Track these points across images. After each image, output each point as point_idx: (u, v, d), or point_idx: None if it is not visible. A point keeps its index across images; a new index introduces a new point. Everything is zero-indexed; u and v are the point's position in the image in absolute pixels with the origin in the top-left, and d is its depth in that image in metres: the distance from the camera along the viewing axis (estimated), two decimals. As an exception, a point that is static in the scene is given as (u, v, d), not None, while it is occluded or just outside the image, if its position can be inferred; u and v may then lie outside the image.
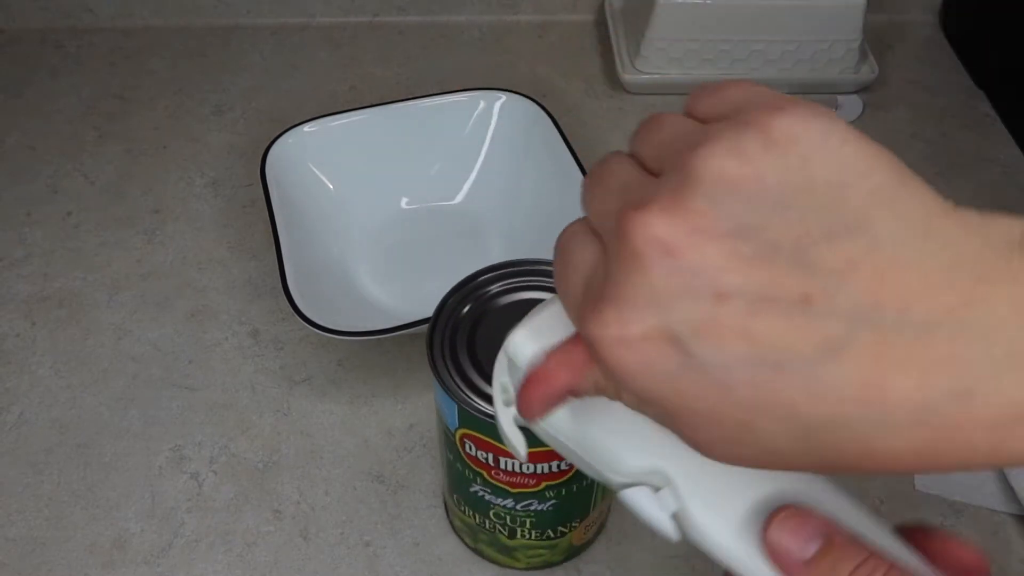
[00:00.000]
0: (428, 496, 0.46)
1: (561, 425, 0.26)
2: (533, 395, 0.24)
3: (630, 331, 0.19)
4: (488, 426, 0.34)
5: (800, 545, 0.22)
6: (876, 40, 0.72)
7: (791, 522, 0.23)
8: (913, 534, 0.23)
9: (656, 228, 0.19)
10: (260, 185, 0.53)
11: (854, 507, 0.24)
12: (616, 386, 0.22)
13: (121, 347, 0.53)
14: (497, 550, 0.42)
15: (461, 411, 0.34)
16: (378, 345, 0.52)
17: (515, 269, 0.38)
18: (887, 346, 0.18)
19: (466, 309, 0.37)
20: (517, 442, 0.27)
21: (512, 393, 0.27)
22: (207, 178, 0.63)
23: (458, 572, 0.43)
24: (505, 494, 0.38)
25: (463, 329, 0.36)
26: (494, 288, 0.37)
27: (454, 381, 0.34)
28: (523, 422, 0.27)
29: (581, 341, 0.23)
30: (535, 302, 0.29)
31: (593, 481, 0.38)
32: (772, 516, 0.23)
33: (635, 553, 0.44)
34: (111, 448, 0.48)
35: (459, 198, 0.59)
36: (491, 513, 0.39)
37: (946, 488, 0.46)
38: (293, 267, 0.48)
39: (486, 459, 0.36)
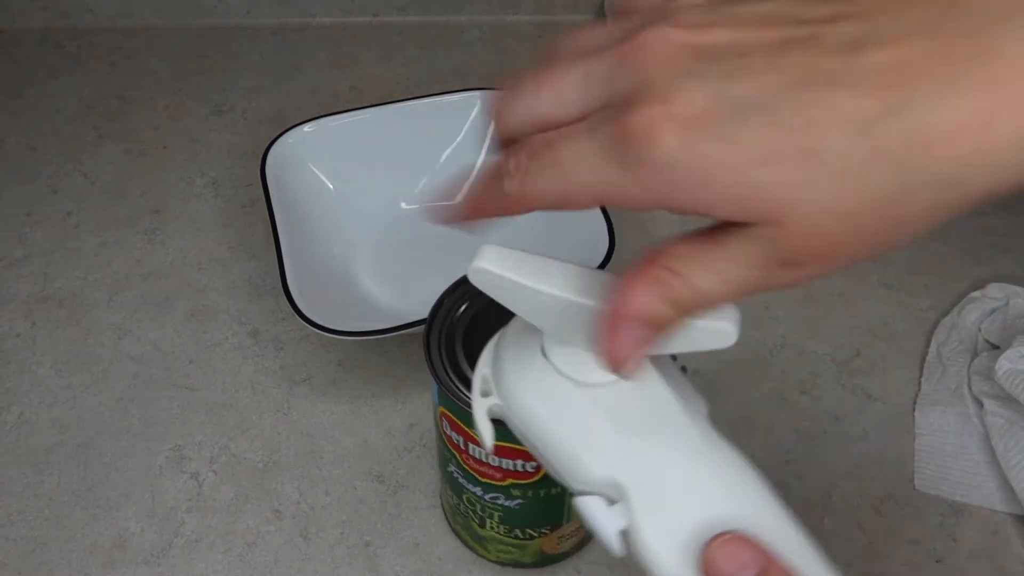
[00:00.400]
0: (428, 496, 0.46)
1: (533, 422, 0.26)
2: (619, 338, 0.22)
3: (679, 109, 0.19)
4: (459, 409, 0.34)
5: (734, 571, 0.22)
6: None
7: (728, 547, 0.23)
8: None
9: (672, 34, 0.20)
10: (260, 185, 0.53)
11: (806, 544, 0.24)
12: (699, 273, 0.21)
13: (121, 347, 0.53)
14: (470, 536, 0.43)
15: (439, 388, 0.35)
16: (378, 345, 0.52)
17: None
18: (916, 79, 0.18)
19: (464, 306, 0.37)
20: (486, 433, 0.28)
21: (491, 385, 0.28)
22: (207, 178, 0.63)
23: (458, 572, 0.43)
24: (474, 481, 0.38)
25: (463, 320, 0.36)
26: None
27: (440, 358, 0.35)
28: (497, 414, 0.28)
29: (636, 264, 0.22)
30: None
31: (564, 493, 0.38)
32: (712, 540, 0.23)
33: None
34: (111, 448, 0.48)
35: (459, 198, 0.59)
36: (464, 497, 0.40)
37: (946, 488, 0.46)
38: (293, 267, 0.48)
39: (458, 442, 0.37)
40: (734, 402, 0.50)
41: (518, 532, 0.41)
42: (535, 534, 0.41)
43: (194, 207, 0.61)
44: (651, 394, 0.26)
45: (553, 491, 0.38)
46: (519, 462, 0.36)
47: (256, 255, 0.58)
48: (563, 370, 0.26)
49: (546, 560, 0.43)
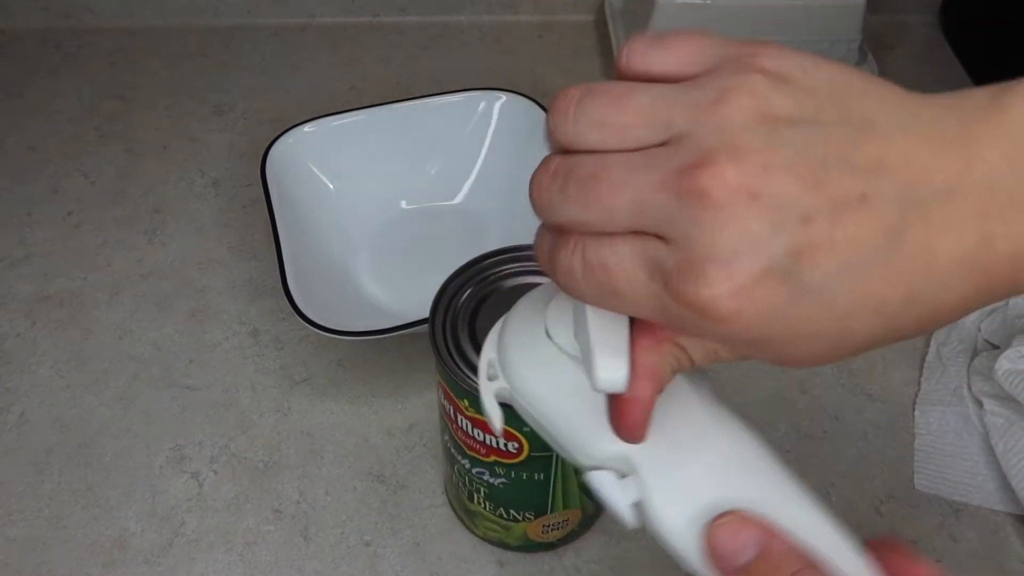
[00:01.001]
0: (428, 496, 0.46)
1: (539, 403, 0.27)
2: (634, 416, 0.24)
3: (741, 279, 0.20)
4: (450, 380, 0.35)
5: (735, 550, 0.23)
6: (876, 40, 0.73)
7: (730, 527, 0.23)
8: (881, 548, 0.24)
9: (731, 174, 0.20)
10: (260, 185, 0.53)
11: (817, 517, 0.24)
12: (698, 349, 0.24)
13: (122, 347, 0.53)
14: (462, 508, 0.43)
15: (435, 355, 0.36)
16: (378, 345, 0.52)
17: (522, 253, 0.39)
18: (929, 217, 0.20)
19: (468, 292, 0.38)
20: (495, 416, 0.28)
21: (497, 369, 0.28)
22: (207, 178, 0.63)
23: (458, 572, 0.43)
24: (463, 453, 0.38)
25: (468, 305, 0.37)
26: (505, 268, 0.39)
27: (441, 327, 0.36)
28: (504, 398, 0.28)
29: (643, 335, 0.24)
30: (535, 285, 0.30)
31: (549, 481, 0.38)
32: (715, 519, 0.24)
33: (634, 552, 0.44)
34: (112, 448, 0.48)
35: (459, 198, 0.59)
36: (455, 468, 0.40)
37: (946, 488, 0.46)
38: (293, 267, 0.48)
39: (449, 411, 0.37)
40: (734, 402, 0.49)
41: (502, 511, 0.41)
42: (519, 517, 0.41)
43: (194, 207, 0.61)
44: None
45: (537, 476, 0.38)
46: (502, 441, 0.36)
47: (256, 255, 0.58)
48: (568, 349, 0.26)
49: (532, 546, 0.43)
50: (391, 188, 0.59)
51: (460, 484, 0.41)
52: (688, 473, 0.25)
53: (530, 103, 0.58)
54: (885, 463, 0.47)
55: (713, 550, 0.23)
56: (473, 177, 0.59)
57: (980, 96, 0.22)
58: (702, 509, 0.24)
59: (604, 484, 0.25)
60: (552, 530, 0.42)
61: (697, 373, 0.27)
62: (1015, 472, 0.45)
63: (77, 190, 0.62)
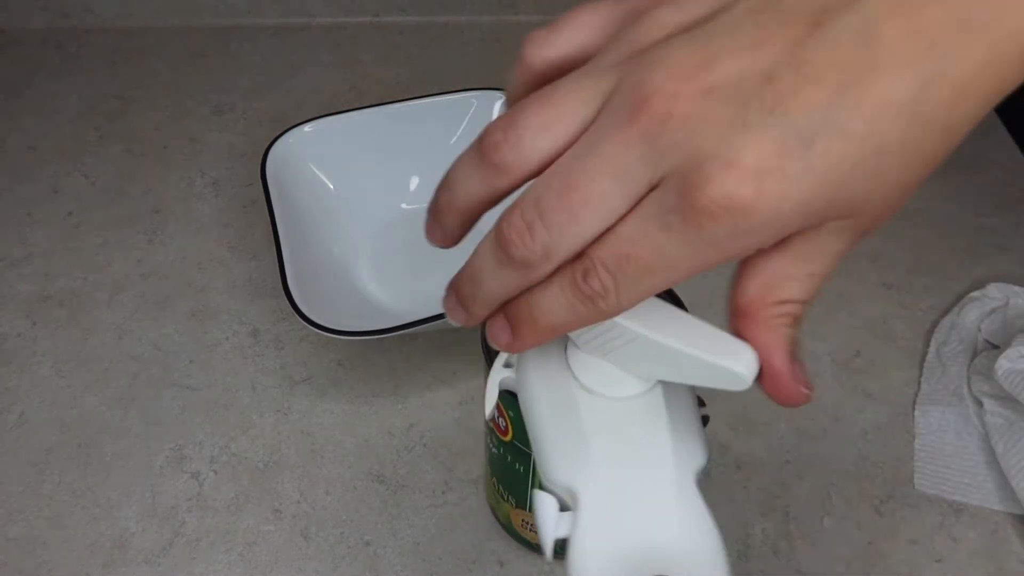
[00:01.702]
0: (428, 496, 0.46)
1: (532, 407, 0.27)
2: (786, 386, 0.23)
3: (744, 159, 0.19)
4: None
5: None
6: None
7: None
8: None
9: (673, 87, 0.19)
10: (260, 185, 0.53)
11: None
12: (790, 273, 0.22)
13: (122, 347, 0.53)
14: (486, 456, 0.43)
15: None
16: (378, 345, 0.52)
17: None
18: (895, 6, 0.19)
19: None
20: (490, 398, 0.28)
21: (514, 359, 0.28)
22: (207, 178, 0.63)
23: (458, 572, 0.43)
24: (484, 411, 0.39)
25: None
26: None
27: None
28: (509, 386, 0.28)
29: (738, 318, 0.23)
30: None
31: (528, 476, 0.38)
32: None
33: (635, 553, 0.44)
34: (112, 448, 0.48)
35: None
36: (484, 418, 0.40)
37: (945, 488, 0.46)
38: (293, 267, 0.48)
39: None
40: (734, 402, 0.50)
41: (495, 481, 0.41)
42: (505, 497, 0.41)
43: (194, 207, 0.61)
44: (648, 425, 0.26)
45: (518, 466, 0.38)
46: (496, 412, 0.36)
47: (256, 255, 0.58)
48: (575, 371, 0.26)
49: (514, 535, 0.43)
50: (391, 188, 0.59)
51: (485, 437, 0.41)
52: (623, 532, 0.24)
53: (530, 103, 0.57)
54: (885, 463, 0.47)
55: None
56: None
57: None
58: (624, 568, 0.23)
59: (544, 507, 0.25)
60: (530, 530, 0.42)
61: (695, 449, 0.26)
62: (1015, 472, 0.45)
63: (77, 190, 0.62)
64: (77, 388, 0.51)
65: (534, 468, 0.37)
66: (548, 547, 0.25)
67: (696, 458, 0.26)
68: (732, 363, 0.22)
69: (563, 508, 0.25)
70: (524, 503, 0.40)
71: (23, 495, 0.46)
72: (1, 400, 0.50)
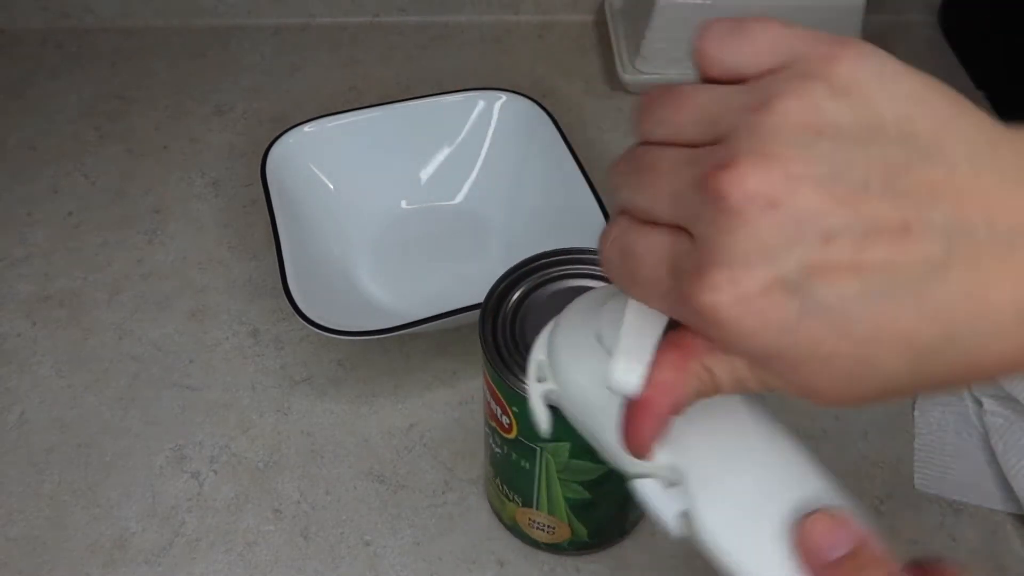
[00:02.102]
0: (428, 496, 0.46)
1: (587, 408, 0.27)
2: (643, 427, 0.24)
3: (746, 287, 0.19)
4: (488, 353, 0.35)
5: (830, 545, 0.23)
6: (876, 40, 0.72)
7: (827, 522, 0.23)
8: (926, 571, 0.24)
9: (752, 181, 0.19)
10: (260, 185, 0.53)
11: (872, 527, 0.24)
12: (725, 372, 0.23)
13: (122, 347, 0.53)
14: (487, 456, 0.43)
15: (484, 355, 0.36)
16: (378, 345, 0.52)
17: (572, 256, 0.39)
18: (983, 258, 0.19)
19: (519, 292, 0.38)
20: (542, 417, 0.28)
21: (546, 371, 0.28)
22: (208, 178, 0.63)
23: (458, 572, 0.43)
24: (485, 407, 0.39)
25: (520, 309, 0.37)
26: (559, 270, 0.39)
27: (495, 318, 0.36)
28: (552, 400, 0.28)
29: (671, 348, 0.23)
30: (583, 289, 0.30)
31: (534, 474, 0.38)
32: (810, 513, 0.23)
33: (634, 553, 0.44)
34: (112, 448, 0.48)
35: (459, 198, 0.59)
36: (484, 415, 0.40)
37: (945, 488, 0.46)
38: (293, 267, 0.48)
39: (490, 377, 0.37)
40: (734, 402, 0.50)
41: (499, 482, 0.41)
42: (510, 496, 0.41)
43: (194, 207, 0.61)
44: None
45: (524, 464, 0.38)
46: (499, 411, 0.36)
47: (256, 255, 0.58)
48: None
49: (521, 535, 0.43)
50: (391, 188, 0.59)
51: (486, 432, 0.41)
52: (737, 483, 0.25)
53: (530, 103, 0.58)
54: (885, 463, 0.47)
55: (806, 542, 0.23)
56: (473, 177, 0.59)
57: None
58: (757, 516, 0.24)
59: (650, 493, 0.25)
60: (537, 528, 0.42)
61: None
62: (1015, 472, 0.45)
63: (77, 190, 0.62)
64: (77, 388, 0.51)
65: (542, 464, 0.37)
66: (675, 525, 0.25)
67: (755, 397, 0.27)
68: (619, 361, 0.23)
69: (667, 486, 0.25)
70: (531, 501, 0.40)
71: (23, 495, 0.46)
72: (1, 400, 0.50)
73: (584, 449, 0.35)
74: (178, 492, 0.46)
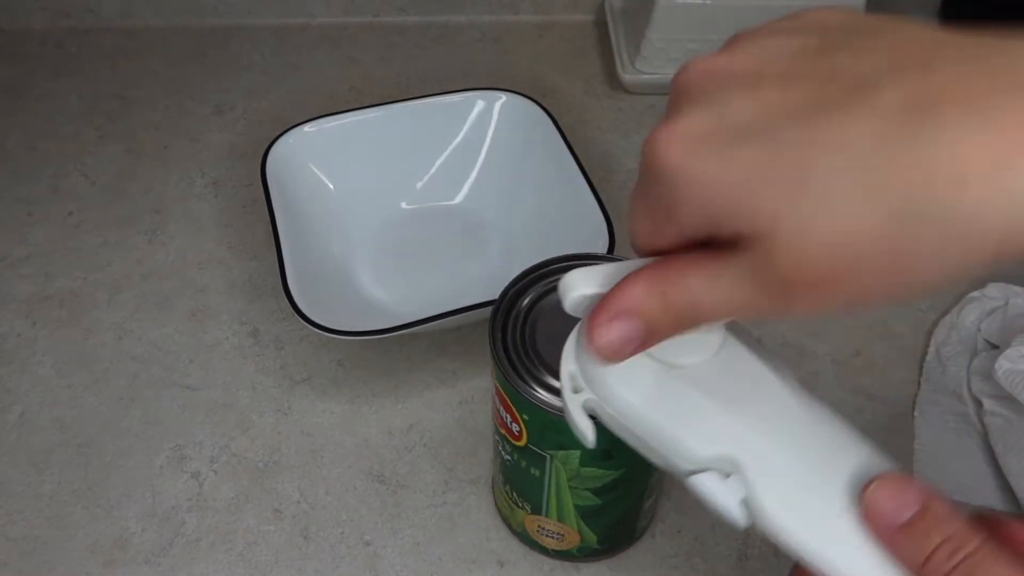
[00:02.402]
0: (428, 496, 0.46)
1: (631, 413, 0.27)
2: (612, 329, 0.24)
3: (686, 130, 0.21)
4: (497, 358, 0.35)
5: (898, 508, 0.23)
6: (876, 40, 0.72)
7: (892, 485, 0.23)
8: (991, 524, 0.24)
9: (694, 67, 0.23)
10: (260, 185, 0.53)
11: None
12: (704, 290, 0.22)
13: (122, 347, 0.53)
14: (496, 463, 0.42)
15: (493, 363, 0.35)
16: (378, 345, 0.52)
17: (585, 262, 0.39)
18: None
19: (528, 299, 0.37)
20: (584, 427, 0.28)
21: (580, 380, 0.28)
22: (208, 178, 0.63)
23: (458, 572, 0.43)
24: (495, 415, 0.38)
25: (530, 315, 0.37)
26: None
27: (499, 311, 0.36)
28: (590, 409, 0.28)
29: (644, 271, 0.24)
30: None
31: (543, 482, 0.38)
32: (873, 479, 0.23)
33: (635, 554, 0.44)
34: (112, 448, 0.48)
35: (459, 198, 0.59)
36: (493, 422, 0.40)
37: (945, 488, 0.46)
38: (293, 267, 0.48)
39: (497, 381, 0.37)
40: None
41: (508, 488, 0.41)
42: (519, 504, 0.41)
43: (194, 207, 0.61)
44: (742, 366, 0.27)
45: (533, 471, 0.38)
46: (508, 418, 0.36)
47: (256, 255, 0.58)
48: (653, 354, 0.26)
49: (532, 544, 0.43)
50: (391, 188, 0.59)
51: (494, 440, 0.41)
52: (791, 462, 0.25)
53: (530, 103, 0.58)
54: (885, 463, 0.47)
55: (873, 508, 0.23)
56: (473, 177, 0.59)
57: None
58: (817, 494, 0.24)
59: (709, 486, 0.25)
60: (547, 536, 0.42)
61: (783, 366, 0.27)
62: (1015, 472, 0.45)
63: (77, 190, 0.62)
64: (77, 388, 0.51)
65: (552, 472, 0.37)
66: (739, 514, 0.25)
67: (789, 371, 0.27)
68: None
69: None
70: (540, 509, 0.40)
71: (23, 495, 0.46)
72: (1, 400, 0.50)
73: (595, 456, 0.35)
74: (178, 492, 0.46)
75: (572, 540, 0.42)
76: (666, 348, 0.26)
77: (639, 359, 0.26)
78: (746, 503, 0.25)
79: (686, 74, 0.22)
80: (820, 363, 0.52)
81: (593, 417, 0.28)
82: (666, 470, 0.27)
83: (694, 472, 0.26)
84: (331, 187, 0.57)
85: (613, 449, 0.34)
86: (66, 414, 0.50)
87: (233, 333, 0.53)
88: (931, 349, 0.52)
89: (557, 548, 0.43)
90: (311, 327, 0.45)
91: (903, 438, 0.48)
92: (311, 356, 0.52)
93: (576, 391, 0.28)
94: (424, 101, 0.58)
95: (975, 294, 0.54)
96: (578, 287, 0.26)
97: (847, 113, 0.19)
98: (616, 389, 0.27)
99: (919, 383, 0.51)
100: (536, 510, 0.40)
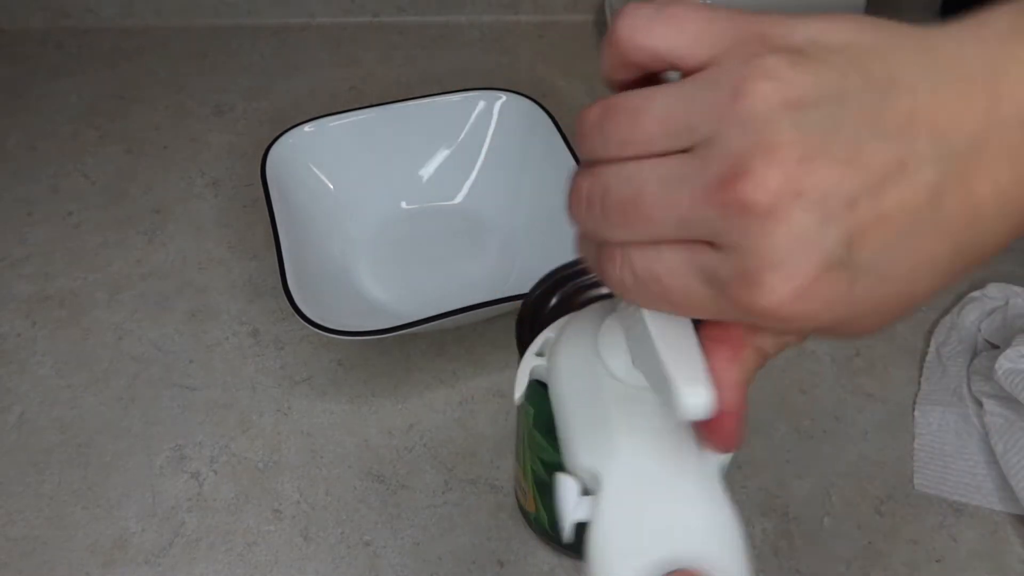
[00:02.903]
0: (428, 496, 0.46)
1: (561, 395, 0.27)
2: (728, 429, 0.24)
3: (801, 279, 0.20)
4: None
5: None
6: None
7: None
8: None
9: (772, 179, 0.19)
10: (260, 185, 0.53)
11: None
12: (770, 343, 0.24)
13: (122, 347, 0.53)
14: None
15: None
16: (378, 345, 0.52)
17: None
18: (967, 167, 0.20)
19: (555, 299, 0.38)
20: (519, 385, 0.29)
21: (547, 348, 0.29)
22: (207, 178, 0.63)
23: (458, 572, 0.43)
24: None
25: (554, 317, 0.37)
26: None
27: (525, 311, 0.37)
28: (539, 375, 0.29)
29: (718, 346, 0.24)
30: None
31: (519, 429, 0.38)
32: (672, 573, 0.23)
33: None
34: (112, 448, 0.48)
35: (459, 198, 0.59)
36: None
37: (945, 488, 0.46)
38: (293, 267, 0.48)
39: None
40: (734, 402, 0.50)
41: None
42: (515, 450, 0.42)
43: (194, 207, 0.61)
44: (674, 419, 0.26)
45: (520, 415, 0.38)
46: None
47: (256, 255, 0.58)
48: (604, 357, 0.27)
49: (528, 517, 0.44)
50: (391, 188, 0.59)
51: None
52: (646, 518, 0.24)
53: (530, 103, 0.58)
54: (885, 463, 0.47)
55: None
56: (473, 177, 0.59)
57: (998, 23, 0.21)
58: (646, 556, 0.23)
59: (565, 490, 0.25)
60: (520, 491, 0.43)
61: None
62: (1015, 472, 0.45)
63: (77, 190, 0.62)
64: (77, 388, 0.51)
65: (521, 421, 0.38)
66: (568, 529, 0.25)
67: (721, 456, 0.26)
68: (682, 387, 0.22)
69: (585, 493, 0.25)
70: (517, 455, 0.41)
71: (23, 495, 0.46)
72: (1, 400, 0.50)
73: (540, 421, 0.35)
74: (178, 492, 0.46)
75: (530, 505, 0.42)
76: (612, 353, 0.26)
77: (589, 354, 0.27)
78: (582, 526, 0.25)
79: (796, 209, 0.20)
80: (820, 363, 0.52)
81: (536, 382, 0.29)
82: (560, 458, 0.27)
83: (567, 472, 0.26)
84: (331, 187, 0.57)
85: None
86: (66, 414, 0.50)
87: (233, 333, 0.53)
88: (931, 349, 0.52)
89: (525, 508, 0.43)
90: (311, 327, 0.45)
91: (903, 438, 0.48)
92: (311, 356, 0.52)
93: (539, 355, 0.29)
94: (424, 101, 0.58)
95: (975, 294, 0.54)
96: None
97: (931, 223, 0.21)
98: (558, 368, 0.28)
99: (919, 383, 0.51)
100: (516, 457, 0.41)
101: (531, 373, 0.29)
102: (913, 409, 0.50)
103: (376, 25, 0.77)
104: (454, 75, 0.71)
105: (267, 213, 0.51)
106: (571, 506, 0.25)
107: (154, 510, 0.45)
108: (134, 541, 0.44)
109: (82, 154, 0.65)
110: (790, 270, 0.20)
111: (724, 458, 0.26)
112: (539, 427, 0.36)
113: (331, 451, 0.48)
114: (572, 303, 0.37)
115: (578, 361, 0.27)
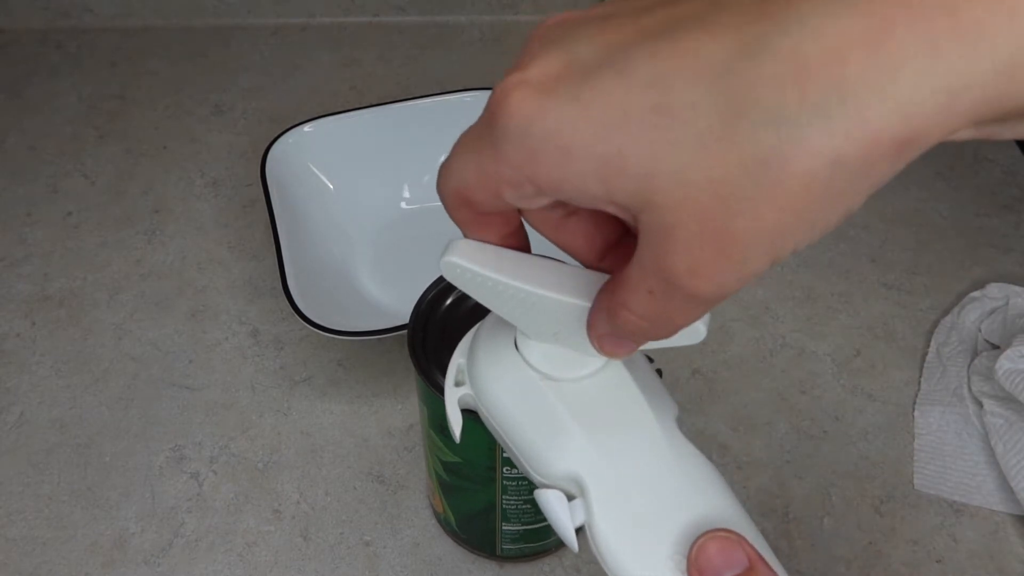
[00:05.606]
0: (428, 496, 0.46)
1: (500, 414, 0.27)
2: (617, 347, 0.23)
3: (533, 74, 0.19)
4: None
5: (724, 564, 0.23)
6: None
7: (721, 542, 0.23)
8: None
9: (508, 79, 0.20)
10: (260, 185, 0.53)
11: (769, 552, 0.24)
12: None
13: (121, 347, 0.53)
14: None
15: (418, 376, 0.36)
16: (378, 345, 0.52)
17: None
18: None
19: (450, 300, 0.38)
20: (455, 421, 0.28)
21: (465, 375, 0.28)
22: (207, 178, 0.63)
23: (458, 572, 0.43)
24: None
25: (448, 312, 0.37)
26: None
27: (423, 338, 0.36)
28: (468, 404, 0.28)
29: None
30: None
31: (422, 426, 0.38)
32: (704, 534, 0.23)
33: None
34: (111, 448, 0.48)
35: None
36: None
37: (945, 488, 0.46)
38: (293, 267, 0.48)
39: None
40: (734, 402, 0.50)
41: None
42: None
43: (194, 207, 0.61)
44: (619, 393, 0.26)
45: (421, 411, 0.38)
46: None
47: (256, 255, 0.58)
48: (532, 363, 0.26)
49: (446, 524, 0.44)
50: (391, 188, 0.59)
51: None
52: (635, 499, 0.24)
53: (530, 103, 0.57)
54: (885, 463, 0.47)
55: (699, 563, 0.23)
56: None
57: None
58: (654, 535, 0.24)
59: (552, 503, 0.25)
60: (429, 489, 0.43)
61: (666, 401, 0.27)
62: (1015, 472, 0.45)
63: (77, 190, 0.62)
64: (77, 388, 0.51)
65: (422, 418, 0.37)
66: (571, 540, 0.25)
67: (671, 408, 0.27)
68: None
69: (570, 498, 0.25)
70: (424, 458, 0.41)
71: (23, 495, 0.46)
72: (1, 400, 0.50)
73: (435, 421, 0.35)
74: (178, 492, 0.46)
75: (438, 505, 0.42)
76: (545, 359, 0.26)
77: (519, 364, 0.26)
78: (583, 530, 0.25)
79: (539, 27, 0.20)
80: (820, 363, 0.52)
81: (467, 411, 0.28)
82: (527, 478, 0.27)
83: (544, 486, 0.25)
84: (331, 187, 0.57)
85: (447, 425, 0.34)
86: (66, 414, 0.50)
87: (233, 333, 0.53)
88: (931, 349, 0.52)
89: (434, 506, 0.43)
90: (311, 327, 0.45)
91: (903, 438, 0.48)
92: (311, 356, 0.52)
93: (458, 384, 0.28)
94: (424, 101, 0.58)
95: (975, 294, 0.54)
96: (457, 259, 0.25)
97: (700, 28, 0.16)
98: (491, 387, 0.27)
99: (919, 383, 0.51)
100: (424, 458, 0.41)
101: (459, 404, 0.29)
102: (913, 409, 0.50)
103: (376, 25, 0.77)
104: (454, 75, 0.71)
105: (267, 213, 0.51)
106: (565, 517, 0.25)
107: (154, 510, 0.45)
108: (134, 541, 0.44)
109: (81, 154, 0.65)
110: (526, 67, 0.19)
111: (675, 412, 0.27)
112: (434, 427, 0.36)
113: (331, 451, 0.48)
114: (463, 309, 0.37)
115: (503, 374, 0.27)
